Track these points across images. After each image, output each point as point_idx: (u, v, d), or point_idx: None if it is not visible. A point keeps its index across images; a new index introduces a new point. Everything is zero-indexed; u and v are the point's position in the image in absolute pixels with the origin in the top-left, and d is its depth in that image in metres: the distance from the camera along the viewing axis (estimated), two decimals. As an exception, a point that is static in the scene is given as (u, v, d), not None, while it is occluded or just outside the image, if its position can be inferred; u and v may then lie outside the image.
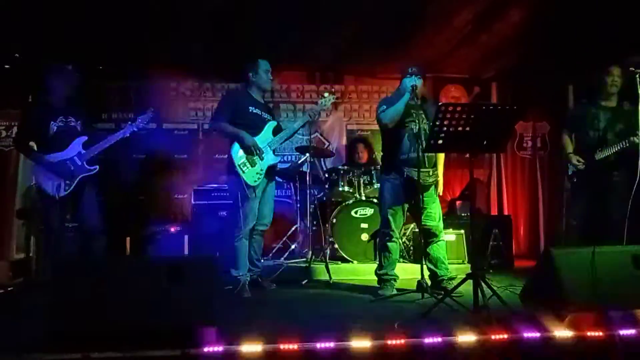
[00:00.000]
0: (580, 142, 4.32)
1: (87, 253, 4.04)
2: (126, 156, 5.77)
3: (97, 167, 4.07)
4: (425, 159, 3.88)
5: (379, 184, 5.24)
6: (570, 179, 4.36)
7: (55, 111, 4.07)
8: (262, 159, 4.05)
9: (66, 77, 4.09)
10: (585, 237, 4.19)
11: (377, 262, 4.15)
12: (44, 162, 3.95)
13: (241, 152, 4.00)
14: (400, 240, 4.22)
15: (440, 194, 4.14)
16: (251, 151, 3.99)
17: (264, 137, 4.12)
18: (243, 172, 3.98)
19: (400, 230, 4.13)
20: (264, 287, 4.26)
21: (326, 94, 4.42)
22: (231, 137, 4.05)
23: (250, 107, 4.13)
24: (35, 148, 4.03)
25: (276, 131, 4.21)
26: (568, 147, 4.38)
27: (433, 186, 4.02)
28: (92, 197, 4.09)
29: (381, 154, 4.26)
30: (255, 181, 4.00)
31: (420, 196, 3.84)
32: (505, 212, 6.75)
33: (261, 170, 4.04)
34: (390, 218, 3.97)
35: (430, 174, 3.95)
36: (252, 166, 4.01)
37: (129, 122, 4.18)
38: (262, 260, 4.52)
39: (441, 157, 4.16)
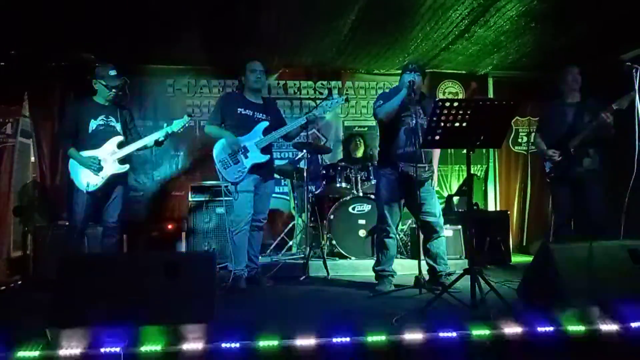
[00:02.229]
0: (553, 138, 4.49)
1: (102, 248, 4.24)
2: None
3: (128, 166, 4.26)
4: (422, 154, 3.88)
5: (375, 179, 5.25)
6: (548, 175, 4.52)
7: (97, 110, 4.24)
8: (246, 157, 4.13)
9: (110, 78, 4.19)
10: (573, 233, 4.47)
11: (375, 258, 4.16)
12: (77, 157, 4.12)
13: (221, 151, 4.16)
14: (397, 236, 4.22)
15: (435, 187, 4.15)
16: (232, 150, 4.10)
17: (251, 137, 4.19)
18: (224, 168, 4.14)
19: (398, 225, 4.13)
20: (261, 283, 4.27)
21: (335, 96, 4.46)
22: (217, 138, 4.23)
23: (239, 109, 4.23)
24: (73, 143, 4.18)
25: (267, 131, 4.25)
26: (542, 145, 4.56)
27: (429, 181, 4.03)
28: (120, 195, 4.26)
29: (378, 148, 4.27)
30: (236, 178, 4.12)
31: (417, 192, 3.84)
32: (499, 208, 6.79)
33: (244, 168, 4.13)
34: (387, 213, 3.97)
35: (426, 169, 3.95)
36: (234, 164, 4.13)
37: (165, 125, 4.32)
38: (260, 257, 4.54)
39: (437, 152, 4.17)
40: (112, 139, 4.20)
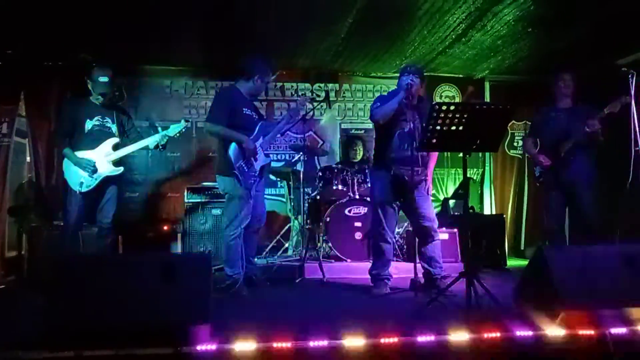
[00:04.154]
0: (545, 143, 4.54)
1: (97, 249, 4.23)
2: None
3: (122, 168, 4.25)
4: (417, 157, 3.89)
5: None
6: (537, 179, 4.56)
7: (93, 110, 4.23)
8: (256, 161, 4.07)
9: (99, 84, 4.18)
10: (565, 238, 4.53)
11: (371, 262, 4.16)
12: (71, 158, 4.11)
13: (238, 156, 3.99)
14: (394, 239, 4.21)
15: (430, 193, 4.15)
16: (250, 154, 4.00)
17: (257, 139, 4.12)
18: (241, 174, 3.98)
19: (394, 229, 4.11)
20: (257, 285, 4.26)
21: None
22: (231, 140, 4.00)
23: (244, 109, 4.11)
24: (69, 143, 4.18)
25: (264, 132, 4.22)
26: (532, 150, 4.61)
27: (423, 184, 4.02)
28: (114, 196, 4.25)
29: (373, 152, 4.27)
30: (251, 183, 4.02)
31: (412, 195, 3.85)
32: (494, 211, 6.80)
33: (255, 172, 4.06)
34: (382, 216, 3.97)
35: (419, 172, 3.95)
36: (248, 168, 4.01)
37: (159, 129, 4.36)
38: (256, 259, 4.54)
39: (433, 158, 4.18)
40: (107, 140, 4.20)
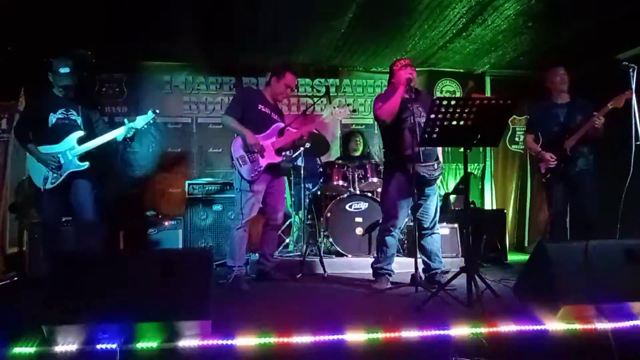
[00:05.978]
0: (547, 139, 4.50)
1: (84, 246, 4.02)
2: (119, 149, 5.73)
3: (88, 163, 4.02)
4: (430, 152, 3.87)
5: (376, 179, 5.26)
6: (544, 176, 4.52)
7: (56, 103, 4.06)
8: (262, 157, 4.11)
9: (60, 75, 4.02)
10: (569, 233, 4.50)
11: (375, 255, 4.15)
12: (34, 153, 3.95)
13: (240, 147, 4.10)
14: (399, 236, 4.19)
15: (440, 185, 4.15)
16: (251, 149, 4.05)
17: (269, 137, 4.18)
18: (240, 165, 4.09)
19: (402, 226, 4.07)
20: (273, 277, 4.35)
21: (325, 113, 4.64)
22: (235, 133, 4.17)
23: (259, 105, 4.22)
24: (32, 138, 4.02)
25: (281, 133, 4.26)
26: (536, 147, 4.57)
27: (437, 181, 4.02)
28: (86, 191, 4.03)
29: (384, 150, 4.23)
30: (252, 177, 4.07)
31: (425, 189, 3.84)
32: (495, 206, 6.80)
33: (260, 167, 4.09)
34: (395, 213, 3.93)
35: (436, 167, 3.92)
36: (251, 162, 4.09)
37: (126, 120, 4.11)
38: (257, 254, 4.56)
39: (439, 150, 4.16)
40: (72, 133, 4.01)
